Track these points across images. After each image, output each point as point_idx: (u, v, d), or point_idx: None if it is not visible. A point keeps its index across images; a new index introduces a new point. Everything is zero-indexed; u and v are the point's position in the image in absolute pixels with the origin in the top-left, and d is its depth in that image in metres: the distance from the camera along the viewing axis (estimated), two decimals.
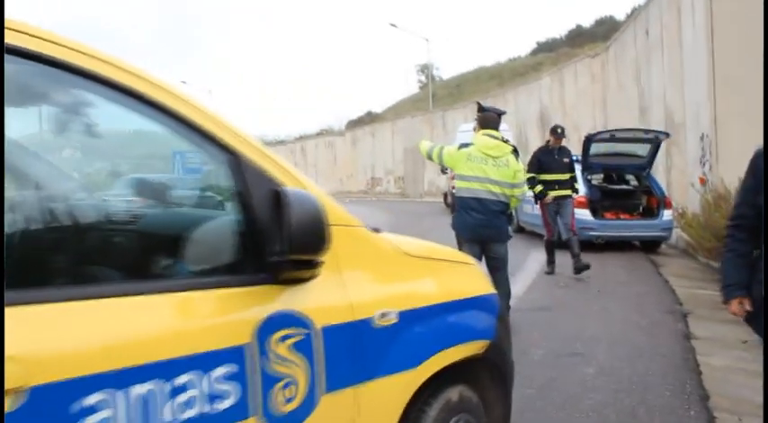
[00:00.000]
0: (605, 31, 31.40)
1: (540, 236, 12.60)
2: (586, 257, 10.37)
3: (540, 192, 8.76)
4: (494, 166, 5.51)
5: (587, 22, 44.41)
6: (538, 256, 10.55)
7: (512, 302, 6.81)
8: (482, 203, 5.50)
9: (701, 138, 11.80)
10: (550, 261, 9.11)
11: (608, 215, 11.41)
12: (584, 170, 11.64)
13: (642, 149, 11.37)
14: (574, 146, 12.38)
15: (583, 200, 11.21)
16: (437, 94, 48.96)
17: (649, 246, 11.10)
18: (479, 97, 34.66)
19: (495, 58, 61.94)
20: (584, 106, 22.99)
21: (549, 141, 9.26)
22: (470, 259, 2.96)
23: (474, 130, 5.94)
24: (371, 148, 44.16)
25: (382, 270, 2.24)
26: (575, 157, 12.93)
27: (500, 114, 6.00)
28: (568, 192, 8.92)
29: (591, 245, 11.10)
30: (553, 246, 9.05)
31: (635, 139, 11.03)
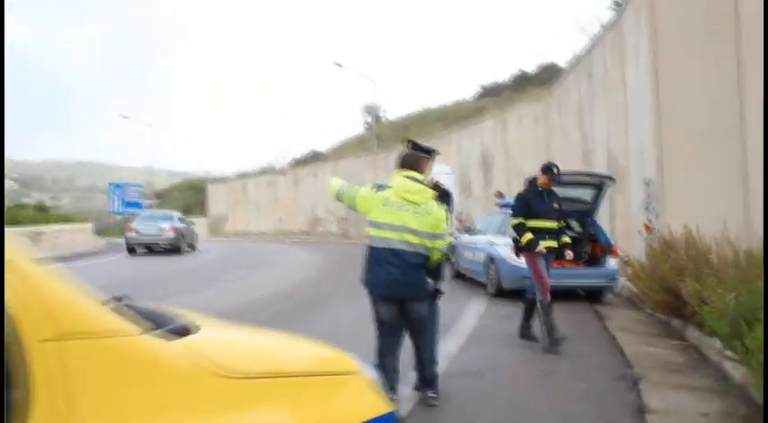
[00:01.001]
0: (549, 76, 31.55)
1: (480, 285, 11.93)
2: (519, 307, 9.72)
3: (529, 241, 7.31)
4: (414, 213, 4.72)
5: (531, 67, 44.90)
6: (476, 308, 9.80)
7: (443, 365, 6.03)
8: (398, 256, 4.69)
9: (646, 183, 11.33)
10: (527, 327, 7.44)
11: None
12: None
13: (587, 194, 10.81)
14: (516, 189, 11.77)
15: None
16: (383, 135, 48.81)
17: (594, 295, 10.45)
18: (424, 138, 34.35)
19: (440, 100, 62.11)
20: (527, 150, 22.68)
21: (533, 181, 7.83)
22: (352, 364, 2.03)
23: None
24: (314, 188, 43.29)
25: (168, 415, 1.32)
26: (510, 201, 12.42)
27: (430, 152, 5.26)
28: (555, 244, 7.37)
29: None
30: (549, 310, 7.23)
31: (580, 182, 10.45)
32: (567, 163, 17.27)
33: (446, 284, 12.76)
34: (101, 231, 48.75)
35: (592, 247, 11.06)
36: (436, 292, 5.22)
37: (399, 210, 4.69)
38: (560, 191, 11.10)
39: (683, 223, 8.85)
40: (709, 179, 9.71)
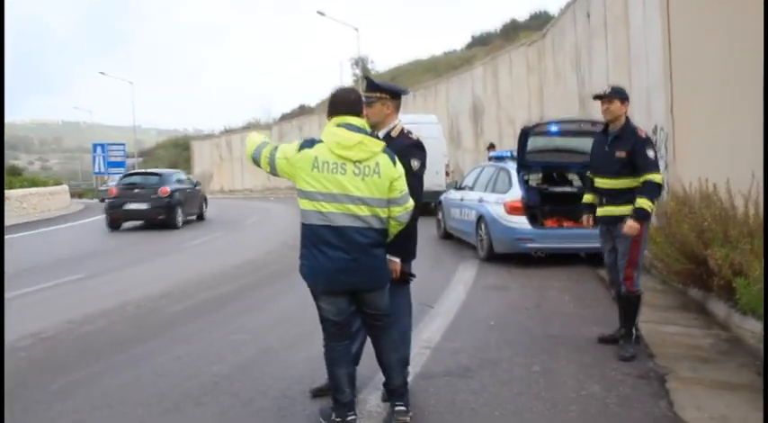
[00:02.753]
0: (540, 24, 30.03)
1: (470, 247, 10.76)
2: (522, 275, 8.62)
3: (585, 205, 5.71)
4: (356, 175, 3.50)
5: (522, 16, 43.21)
6: (465, 277, 8.63)
7: (420, 360, 4.90)
8: (342, 235, 3.49)
9: (654, 130, 10.08)
10: (627, 332, 5.18)
11: (549, 223, 9.56)
12: (519, 169, 9.78)
13: (587, 144, 9.54)
14: (508, 141, 10.53)
15: (518, 205, 9.36)
16: None
17: (598, 258, 9.27)
18: (413, 89, 32.96)
19: (430, 51, 60.50)
20: (519, 97, 21.34)
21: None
22: None
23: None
24: None
25: None
26: (507, 153, 11.17)
27: (385, 91, 4.03)
28: (624, 210, 5.10)
29: (528, 259, 9.25)
30: (629, 302, 5.19)
31: (579, 132, 9.19)
32: (563, 111, 16.04)
33: (431, 248, 11.88)
34: (84, 193, 47.34)
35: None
36: (404, 276, 4.01)
37: (335, 172, 3.47)
38: (558, 141, 9.93)
39: (697, 176, 7.66)
40: (730, 125, 8.47)
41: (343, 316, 3.67)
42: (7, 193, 21.84)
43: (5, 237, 16.44)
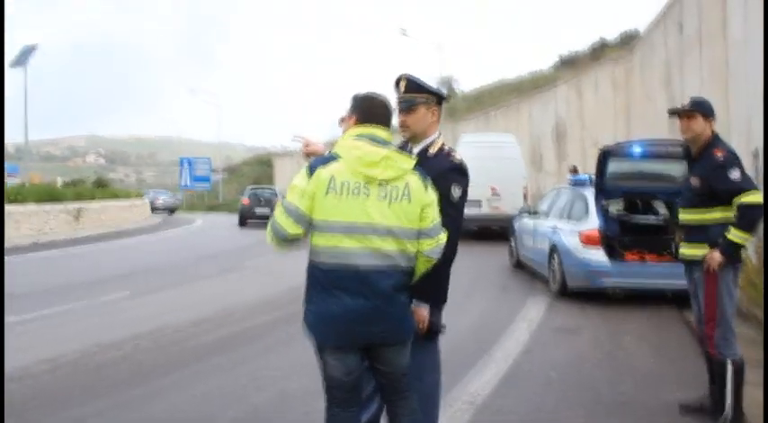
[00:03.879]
0: (631, 44, 28.65)
1: (543, 279, 9.82)
2: (596, 315, 7.65)
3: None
4: (381, 198, 2.78)
5: (612, 35, 41.53)
6: (531, 315, 7.75)
7: (463, 416, 4.14)
8: (363, 279, 2.76)
9: (755, 155, 8.91)
10: (718, 407, 4.14)
11: (629, 256, 8.53)
12: (598, 195, 8.82)
13: (677, 169, 8.50)
14: (592, 164, 9.58)
15: (595, 235, 8.40)
16: (456, 107, 47.31)
17: (685, 299, 8.14)
18: (495, 108, 32.08)
19: (517, 71, 59.41)
20: (604, 118, 20.12)
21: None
22: None
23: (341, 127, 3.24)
24: None
25: None
26: (587, 177, 10.19)
27: (442, 96, 3.33)
28: (698, 251, 4.20)
29: (605, 297, 8.27)
30: (719, 368, 4.16)
31: (668, 154, 8.16)
32: (651, 133, 14.83)
33: (500, 278, 10.98)
34: (171, 207, 48.45)
35: None
36: (433, 328, 3.25)
37: (357, 196, 2.76)
38: (643, 165, 8.92)
39: None
40: None
41: (353, 376, 2.93)
42: (87, 204, 22.23)
43: (76, 248, 16.59)
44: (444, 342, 5.70)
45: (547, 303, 8.46)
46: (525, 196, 17.72)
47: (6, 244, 16.97)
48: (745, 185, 4.06)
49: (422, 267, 2.95)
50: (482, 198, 17.73)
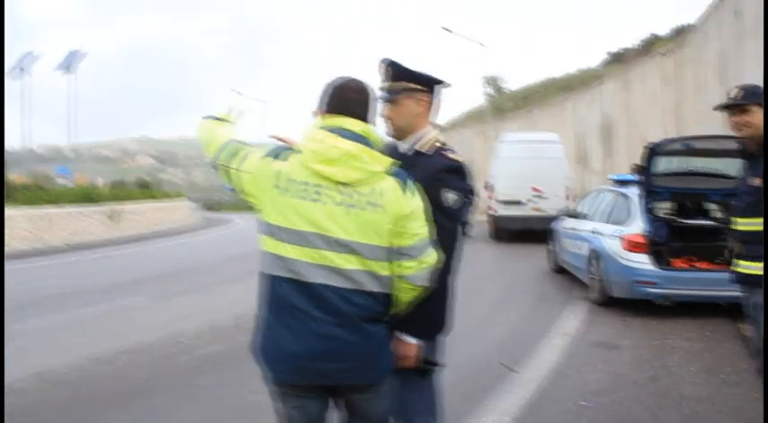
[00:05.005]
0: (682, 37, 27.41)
1: (583, 285, 9.07)
2: (640, 327, 6.87)
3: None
4: (340, 205, 2.19)
5: (663, 31, 40.04)
6: (568, 326, 7.08)
7: None
8: (317, 298, 2.18)
9: None
10: None
11: (678, 263, 7.74)
12: (643, 195, 8.04)
13: (731, 167, 7.69)
14: (637, 162, 8.80)
15: (640, 240, 7.63)
16: (503, 107, 46.53)
17: (741, 310, 7.32)
18: (540, 107, 31.15)
19: (565, 69, 58.13)
20: (653, 114, 19.10)
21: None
22: None
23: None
24: None
25: None
26: (632, 177, 9.39)
27: (434, 82, 2.68)
28: (757, 267, 3.43)
29: (651, 306, 7.51)
30: None
31: (721, 151, 7.37)
32: (703, 129, 13.91)
33: (537, 284, 10.23)
34: (211, 206, 48.57)
35: None
36: (426, 365, 2.63)
37: (306, 197, 2.18)
38: (693, 163, 8.12)
39: None
40: None
41: None
42: (123, 206, 22.14)
43: (107, 250, 16.41)
44: (465, 363, 5.08)
45: (585, 314, 7.72)
46: (568, 197, 16.92)
47: (39, 246, 16.94)
48: None
49: (405, 297, 2.34)
50: (523, 198, 17.03)
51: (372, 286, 2.21)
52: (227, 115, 2.71)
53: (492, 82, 55.69)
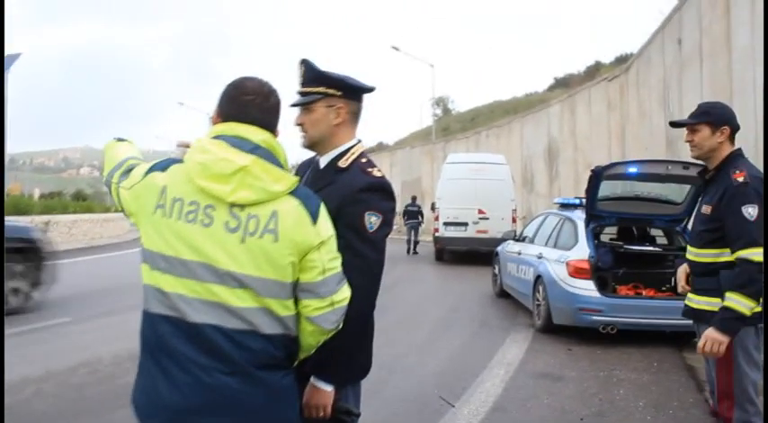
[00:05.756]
0: (626, 63, 28.02)
1: (528, 311, 8.81)
2: (585, 357, 6.62)
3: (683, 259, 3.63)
4: (230, 230, 1.79)
5: (608, 58, 41.02)
6: (510, 355, 6.78)
7: None
8: (200, 340, 1.77)
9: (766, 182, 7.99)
10: None
11: (623, 290, 7.55)
12: (588, 220, 7.86)
13: (677, 192, 7.58)
14: (583, 186, 8.64)
15: (584, 265, 7.42)
16: (450, 128, 47.12)
17: (685, 337, 7.12)
18: (486, 128, 31.25)
19: (512, 92, 59.14)
20: (598, 138, 19.24)
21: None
22: None
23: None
24: None
25: None
26: (578, 201, 9.24)
27: (354, 88, 2.30)
28: (707, 303, 3.24)
29: (596, 335, 7.28)
30: None
31: (667, 175, 7.23)
32: (648, 153, 14.01)
33: (480, 309, 9.95)
34: None
35: None
36: (342, 416, 2.23)
37: (191, 220, 1.80)
38: (639, 188, 7.98)
39: None
40: None
41: None
42: (56, 217, 21.11)
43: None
44: (400, 396, 4.70)
45: (529, 341, 7.46)
46: (514, 219, 16.83)
47: None
48: (755, 235, 3.03)
49: (310, 340, 1.96)
50: (468, 220, 16.88)
51: (269, 328, 1.82)
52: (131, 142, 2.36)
53: (440, 102, 56.15)
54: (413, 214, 20.99)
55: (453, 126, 47.74)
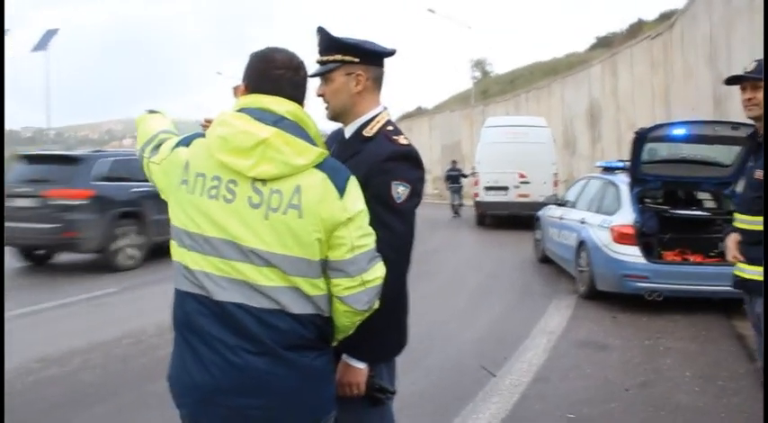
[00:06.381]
0: (670, 20, 27.02)
1: (570, 276, 8.68)
2: (629, 324, 6.47)
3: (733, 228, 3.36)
4: (254, 206, 1.72)
5: (652, 15, 39.68)
6: (553, 323, 6.70)
7: None
8: (227, 319, 1.73)
9: None
10: None
11: (669, 256, 7.36)
12: (633, 184, 7.65)
13: (725, 154, 7.32)
14: (626, 148, 8.41)
15: (629, 231, 7.24)
16: (489, 90, 46.36)
17: (734, 304, 6.95)
18: (525, 90, 30.70)
19: (552, 53, 57.72)
20: (641, 98, 18.72)
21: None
22: None
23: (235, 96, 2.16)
24: None
25: None
26: (621, 164, 8.99)
27: (374, 53, 2.18)
28: (756, 272, 3.06)
29: (641, 301, 7.12)
30: None
31: (715, 137, 6.97)
32: (694, 113, 13.56)
33: (522, 276, 9.80)
34: None
35: None
36: (376, 392, 2.18)
37: (213, 196, 1.75)
38: (685, 150, 7.73)
39: None
40: None
41: None
42: None
43: None
44: (439, 366, 4.67)
45: (572, 308, 7.34)
46: (556, 183, 16.58)
47: None
48: None
49: (345, 321, 1.89)
50: (509, 184, 16.68)
51: (298, 307, 1.76)
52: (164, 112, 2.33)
53: (479, 65, 55.33)
54: (455, 178, 21.00)
55: (492, 89, 46.97)
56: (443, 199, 22.83)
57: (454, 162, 22.31)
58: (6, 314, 7.10)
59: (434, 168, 37.30)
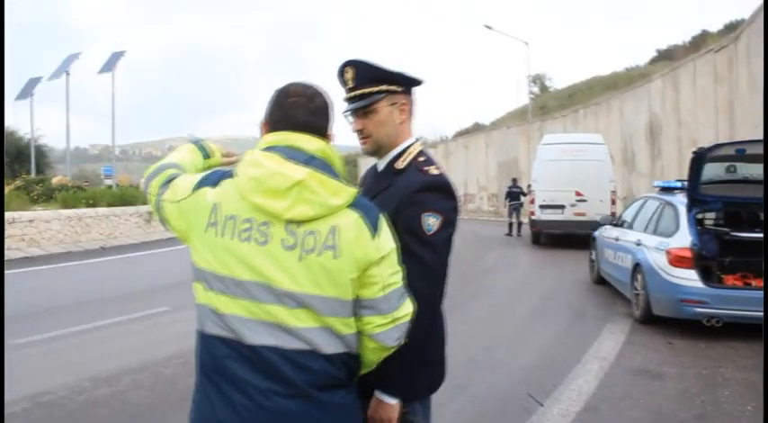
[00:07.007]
0: (735, 32, 26.21)
1: (626, 299, 8.42)
2: (687, 351, 6.14)
3: None
4: (288, 248, 1.68)
5: (715, 26, 38.72)
6: (606, 348, 6.50)
7: None
8: (259, 364, 1.69)
9: None
10: None
11: (730, 280, 7.07)
12: (691, 205, 7.39)
13: None
14: (687, 164, 8.15)
15: (686, 254, 6.99)
16: (548, 105, 45.96)
17: None
18: (584, 106, 30.20)
19: (611, 67, 56.87)
20: (704, 114, 18.17)
21: None
22: None
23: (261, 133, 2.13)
24: (464, 162, 40.49)
25: None
26: (679, 184, 8.72)
27: (412, 82, 2.16)
28: None
29: (699, 327, 6.86)
30: None
31: None
32: (759, 130, 13.08)
33: (576, 297, 9.55)
34: None
35: None
36: None
37: (247, 239, 1.70)
38: (747, 170, 7.44)
39: None
40: None
41: None
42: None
43: (139, 254, 16.25)
44: (486, 394, 4.56)
45: (626, 333, 7.12)
46: (613, 201, 16.23)
47: (75, 249, 16.86)
48: None
49: (372, 357, 1.85)
50: (565, 202, 16.42)
51: (330, 347, 1.72)
52: (213, 149, 2.31)
53: (537, 80, 54.92)
54: (515, 196, 20.78)
55: (551, 104, 46.50)
56: (499, 216, 22.40)
57: (515, 179, 22.09)
58: (60, 332, 7.33)
59: (491, 185, 37.04)
